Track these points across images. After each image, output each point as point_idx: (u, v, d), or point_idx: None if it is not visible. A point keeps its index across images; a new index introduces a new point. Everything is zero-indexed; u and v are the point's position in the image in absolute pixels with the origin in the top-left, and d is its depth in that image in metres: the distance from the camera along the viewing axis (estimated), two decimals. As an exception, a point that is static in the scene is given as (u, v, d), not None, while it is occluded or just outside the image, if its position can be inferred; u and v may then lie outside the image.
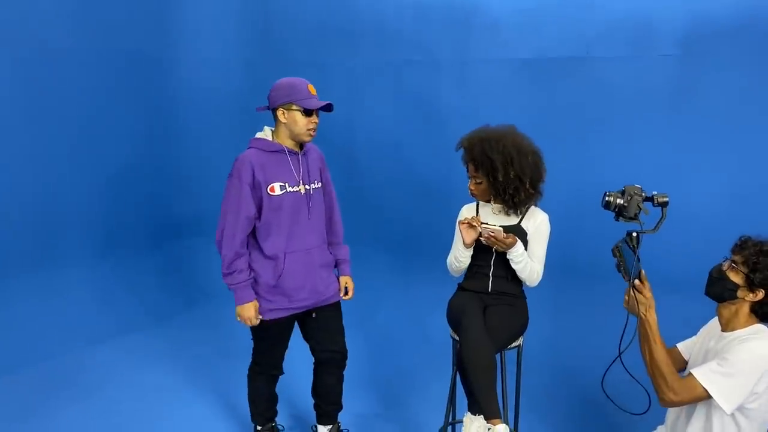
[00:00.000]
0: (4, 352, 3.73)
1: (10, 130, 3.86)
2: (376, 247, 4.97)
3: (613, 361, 1.95)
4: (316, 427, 2.96)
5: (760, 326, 1.97)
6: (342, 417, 2.96)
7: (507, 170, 2.45)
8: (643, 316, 1.96)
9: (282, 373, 2.83)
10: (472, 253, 2.58)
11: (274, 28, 5.25)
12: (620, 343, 1.94)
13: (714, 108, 3.82)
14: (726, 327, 2.03)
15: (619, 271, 1.96)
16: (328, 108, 2.46)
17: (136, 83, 4.73)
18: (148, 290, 4.86)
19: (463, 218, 2.56)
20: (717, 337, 2.06)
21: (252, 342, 2.74)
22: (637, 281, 1.94)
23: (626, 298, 1.99)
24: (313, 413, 2.95)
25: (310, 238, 2.58)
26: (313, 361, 2.83)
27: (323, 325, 2.72)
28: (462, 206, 2.76)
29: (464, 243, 2.51)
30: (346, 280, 2.81)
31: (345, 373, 2.84)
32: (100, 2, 4.31)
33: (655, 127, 3.96)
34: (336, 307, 2.77)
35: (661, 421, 2.28)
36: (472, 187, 2.60)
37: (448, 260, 2.71)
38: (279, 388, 2.94)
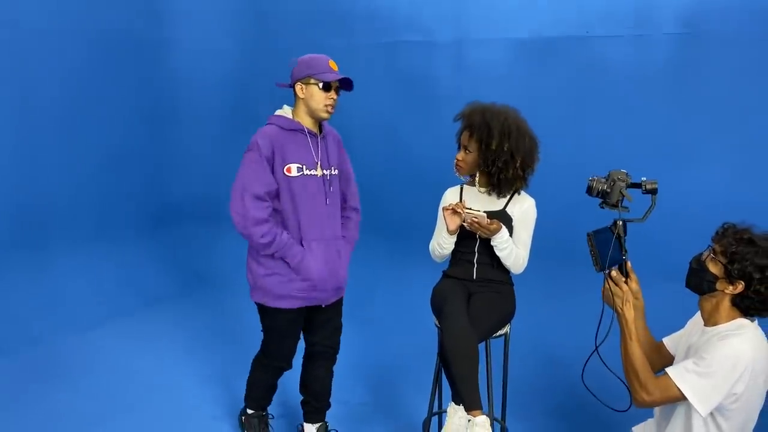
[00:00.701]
0: (-8, 336, 3.71)
1: (-3, 114, 3.80)
2: (369, 233, 4.89)
3: (591, 354, 1.88)
4: (302, 426, 2.86)
5: (742, 321, 1.82)
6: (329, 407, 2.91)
7: (502, 141, 2.38)
8: (619, 310, 1.86)
9: (290, 367, 2.70)
10: (455, 239, 2.50)
11: (267, 10, 5.16)
12: (596, 336, 1.85)
13: (717, 89, 3.69)
14: (708, 321, 1.90)
15: (593, 260, 1.84)
16: (348, 86, 2.40)
17: (131, 65, 4.68)
18: (142, 275, 4.84)
19: (447, 204, 2.48)
20: (699, 332, 1.93)
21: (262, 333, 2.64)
22: (614, 272, 1.85)
23: (603, 289, 1.90)
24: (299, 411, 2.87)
25: (329, 227, 2.48)
26: (303, 354, 2.75)
27: (329, 320, 2.64)
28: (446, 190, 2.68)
29: (448, 229, 2.43)
30: None
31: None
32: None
33: (656, 109, 3.84)
34: (341, 302, 2.69)
35: (651, 414, 2.20)
36: (459, 158, 2.52)
37: (430, 246, 2.64)
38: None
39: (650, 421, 2.19)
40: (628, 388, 1.87)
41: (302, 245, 2.39)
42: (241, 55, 5.31)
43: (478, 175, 2.53)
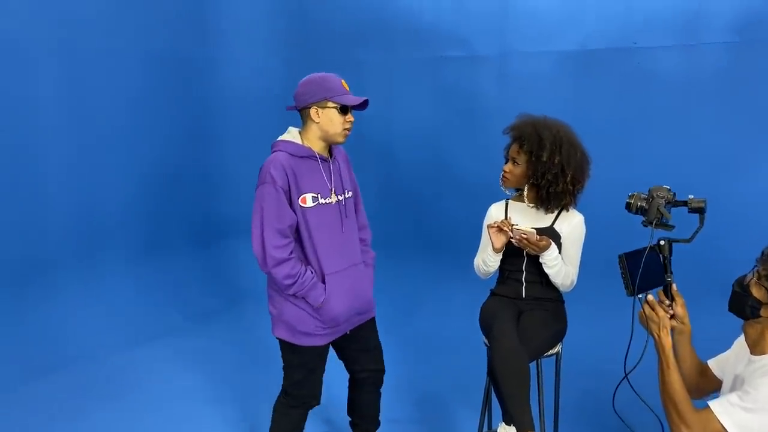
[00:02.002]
0: (47, 351, 3.82)
1: (55, 133, 3.95)
2: (414, 248, 4.90)
3: (620, 382, 1.77)
4: None
5: None
6: (379, 426, 2.88)
7: (553, 153, 2.34)
8: (655, 336, 1.73)
9: (319, 402, 2.49)
10: (501, 257, 2.47)
11: (310, 27, 5.24)
12: (625, 362, 1.75)
13: (770, 99, 3.59)
14: (753, 349, 1.74)
15: (624, 283, 1.73)
16: (363, 105, 2.23)
17: (178, 85, 4.80)
18: (189, 291, 4.92)
19: (492, 220, 2.45)
20: (746, 361, 1.78)
21: (283, 375, 2.45)
22: (650, 297, 1.73)
23: (639, 313, 1.78)
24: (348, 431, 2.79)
25: (347, 255, 2.33)
26: (349, 380, 2.65)
27: (363, 345, 2.51)
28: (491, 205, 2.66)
29: (494, 247, 2.40)
30: None
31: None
32: (140, 4, 4.37)
33: (705, 121, 3.74)
34: (373, 321, 2.55)
35: None
36: (507, 170, 2.48)
37: (475, 263, 2.61)
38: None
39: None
40: (659, 420, 1.77)
41: (323, 280, 2.25)
42: (286, 73, 5.40)
43: (526, 189, 2.49)
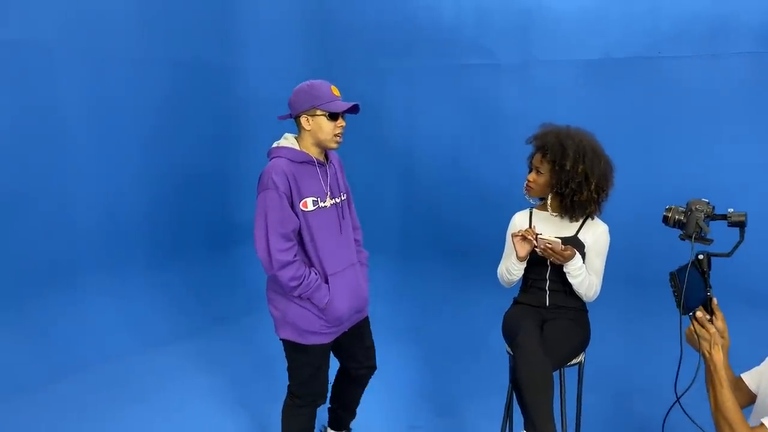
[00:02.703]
0: (71, 353, 3.88)
1: (81, 139, 4.02)
2: (433, 255, 4.90)
3: (672, 406, 1.73)
4: (326, 428, 2.91)
5: None
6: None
7: (576, 162, 2.35)
8: (706, 354, 1.69)
9: (326, 400, 2.56)
10: (525, 266, 2.47)
11: (333, 35, 5.28)
12: (675, 384, 1.72)
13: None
14: None
15: (676, 301, 1.67)
16: (354, 110, 2.29)
17: (201, 92, 4.85)
18: (209, 295, 4.97)
19: (516, 230, 2.45)
20: None
21: (288, 373, 2.51)
22: (699, 313, 1.69)
23: (687, 331, 1.74)
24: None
25: (345, 255, 2.40)
26: (338, 371, 2.73)
27: (361, 343, 2.60)
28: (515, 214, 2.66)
29: (518, 256, 2.40)
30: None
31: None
32: (165, 13, 4.44)
33: (730, 132, 3.70)
34: (367, 320, 2.64)
35: None
36: (531, 179, 2.49)
37: (498, 271, 2.61)
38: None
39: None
40: None
41: (326, 281, 2.32)
42: (307, 80, 5.44)
43: (549, 198, 2.50)
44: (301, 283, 2.22)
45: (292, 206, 2.22)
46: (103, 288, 4.28)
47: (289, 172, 2.21)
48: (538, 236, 2.31)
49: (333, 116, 2.25)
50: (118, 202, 4.33)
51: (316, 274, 2.28)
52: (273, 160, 2.27)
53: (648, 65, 3.90)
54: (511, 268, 2.48)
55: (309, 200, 2.26)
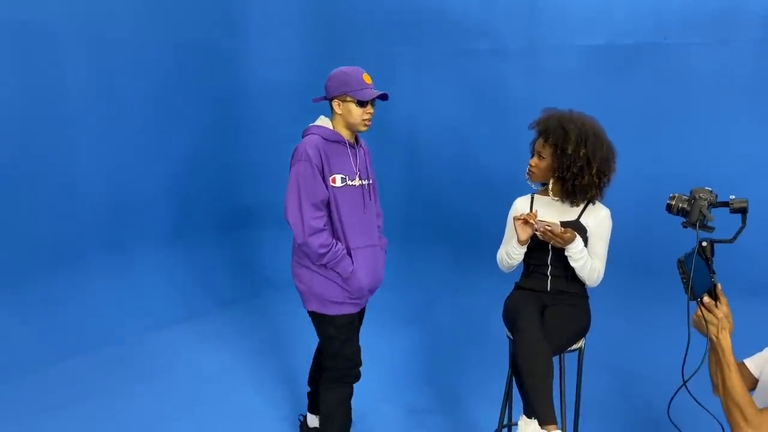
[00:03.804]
0: (78, 333, 3.91)
1: (85, 121, 4.03)
2: (435, 241, 4.90)
3: (678, 389, 1.75)
4: (304, 416, 2.98)
5: None
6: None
7: (578, 146, 2.35)
8: (714, 338, 1.71)
9: (359, 375, 2.62)
10: (525, 250, 2.47)
11: (337, 19, 5.24)
12: (683, 368, 1.72)
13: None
14: None
15: (684, 288, 1.69)
16: (383, 97, 2.42)
17: (206, 75, 4.85)
18: (214, 278, 5.00)
19: (517, 213, 2.45)
20: None
21: (322, 351, 2.60)
22: (707, 298, 1.71)
23: (694, 316, 1.76)
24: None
25: (368, 234, 2.52)
26: (317, 349, 2.83)
27: (359, 323, 2.69)
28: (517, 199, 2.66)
29: (519, 240, 2.40)
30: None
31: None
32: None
33: (740, 120, 3.66)
34: (365, 307, 2.73)
35: None
36: (533, 164, 2.49)
37: (498, 255, 2.61)
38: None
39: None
40: (720, 424, 1.72)
41: (350, 255, 2.44)
42: (313, 64, 5.41)
43: (551, 182, 2.49)
44: (329, 250, 2.35)
45: (324, 179, 2.35)
46: (109, 269, 4.31)
47: (322, 148, 2.36)
48: (539, 220, 2.31)
49: (362, 103, 2.38)
50: (123, 184, 4.34)
51: (342, 246, 2.41)
52: (307, 136, 2.41)
53: (654, 51, 3.86)
54: (512, 252, 2.48)
55: (338, 177, 2.39)
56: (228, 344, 4.09)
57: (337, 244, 2.38)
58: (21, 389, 3.35)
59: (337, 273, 2.41)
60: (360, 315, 2.67)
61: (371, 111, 2.42)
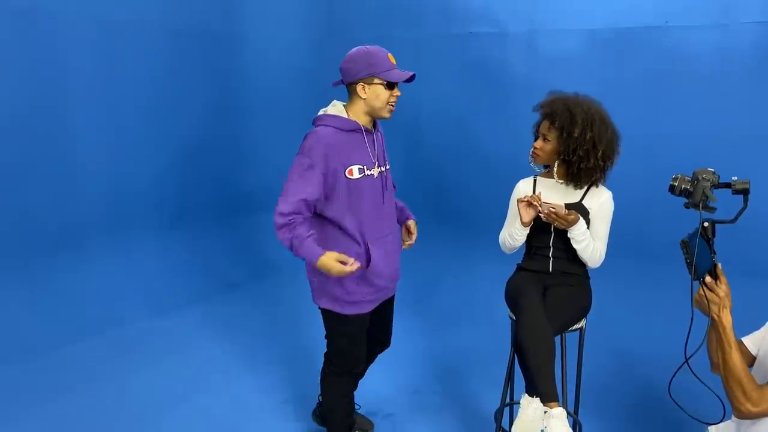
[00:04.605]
0: (80, 317, 3.94)
1: (86, 106, 4.03)
2: (438, 223, 4.92)
3: (680, 367, 1.77)
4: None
5: None
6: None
7: (584, 130, 2.35)
8: (715, 317, 1.74)
9: (363, 372, 2.61)
10: (528, 231, 2.50)
11: (337, 2, 5.22)
12: (686, 346, 1.75)
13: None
14: None
15: (688, 268, 1.71)
16: (410, 78, 2.22)
17: (207, 59, 4.84)
18: (215, 262, 5.02)
19: (520, 195, 2.47)
20: None
21: (326, 342, 2.52)
22: (708, 278, 1.73)
23: (696, 295, 1.78)
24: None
25: (386, 224, 2.39)
26: None
27: (383, 316, 2.59)
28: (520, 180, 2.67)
29: (522, 221, 2.42)
30: (412, 223, 2.59)
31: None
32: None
33: (738, 102, 3.69)
34: (393, 297, 2.64)
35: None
36: (537, 146, 2.49)
37: (500, 236, 2.63)
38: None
39: (729, 422, 2.12)
40: (721, 400, 1.77)
41: (366, 245, 2.28)
42: (312, 48, 5.40)
43: (556, 165, 2.51)
44: (289, 223, 2.14)
45: (334, 175, 2.18)
46: (112, 253, 4.34)
47: (333, 141, 2.17)
48: (543, 202, 2.33)
49: (390, 85, 2.20)
50: (125, 168, 4.35)
51: (311, 233, 2.18)
52: (319, 128, 2.22)
53: (655, 35, 3.87)
54: (515, 234, 2.50)
55: (355, 168, 2.21)
56: (230, 327, 4.12)
57: (308, 233, 2.15)
58: (25, 373, 3.39)
59: (302, 257, 2.18)
60: (389, 302, 2.60)
61: (398, 94, 2.24)
